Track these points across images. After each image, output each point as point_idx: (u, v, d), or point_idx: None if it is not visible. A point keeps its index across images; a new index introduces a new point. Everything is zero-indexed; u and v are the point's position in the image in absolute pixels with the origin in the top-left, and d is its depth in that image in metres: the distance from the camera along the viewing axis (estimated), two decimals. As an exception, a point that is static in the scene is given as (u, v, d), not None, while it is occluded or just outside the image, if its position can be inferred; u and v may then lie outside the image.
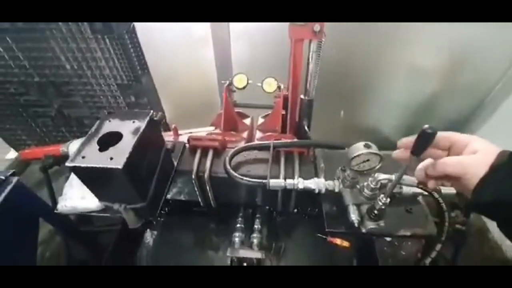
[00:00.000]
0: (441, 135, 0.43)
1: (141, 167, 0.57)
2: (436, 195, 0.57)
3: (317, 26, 0.78)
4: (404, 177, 0.59)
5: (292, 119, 0.98)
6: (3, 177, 0.67)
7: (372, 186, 0.61)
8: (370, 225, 0.60)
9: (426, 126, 0.40)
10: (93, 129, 0.56)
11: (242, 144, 0.87)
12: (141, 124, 0.57)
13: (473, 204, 0.39)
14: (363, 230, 0.61)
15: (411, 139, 0.43)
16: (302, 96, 0.95)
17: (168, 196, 0.78)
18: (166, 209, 0.98)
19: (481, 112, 1.67)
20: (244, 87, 0.98)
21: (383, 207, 0.56)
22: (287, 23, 0.80)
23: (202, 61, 1.51)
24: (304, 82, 0.92)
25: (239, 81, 0.97)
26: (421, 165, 0.47)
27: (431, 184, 0.47)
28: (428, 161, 0.46)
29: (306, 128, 0.99)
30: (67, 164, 0.49)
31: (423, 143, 0.41)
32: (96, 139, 0.53)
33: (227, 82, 1.00)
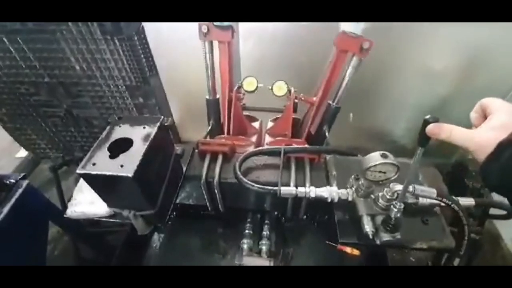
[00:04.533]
0: (479, 102, 0.43)
1: (151, 174, 0.56)
2: (456, 208, 0.54)
3: (366, 43, 0.79)
4: (423, 187, 0.57)
5: (312, 124, 0.97)
6: (13, 180, 0.67)
7: (388, 196, 0.58)
8: (385, 237, 0.57)
9: (428, 116, 0.40)
10: (103, 134, 0.55)
11: (251, 148, 0.85)
12: (152, 130, 0.56)
13: (482, 181, 0.38)
14: (378, 242, 0.59)
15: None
16: (330, 102, 0.95)
17: (177, 201, 0.77)
18: (174, 213, 0.97)
19: (496, 116, 1.62)
20: (253, 91, 0.97)
21: (398, 215, 0.54)
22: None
23: (210, 62, 1.50)
24: (336, 90, 0.93)
25: (249, 84, 0.95)
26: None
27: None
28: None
29: (326, 133, 0.98)
30: (78, 171, 0.48)
31: (426, 133, 0.41)
32: (107, 145, 0.52)
33: (237, 85, 0.99)
